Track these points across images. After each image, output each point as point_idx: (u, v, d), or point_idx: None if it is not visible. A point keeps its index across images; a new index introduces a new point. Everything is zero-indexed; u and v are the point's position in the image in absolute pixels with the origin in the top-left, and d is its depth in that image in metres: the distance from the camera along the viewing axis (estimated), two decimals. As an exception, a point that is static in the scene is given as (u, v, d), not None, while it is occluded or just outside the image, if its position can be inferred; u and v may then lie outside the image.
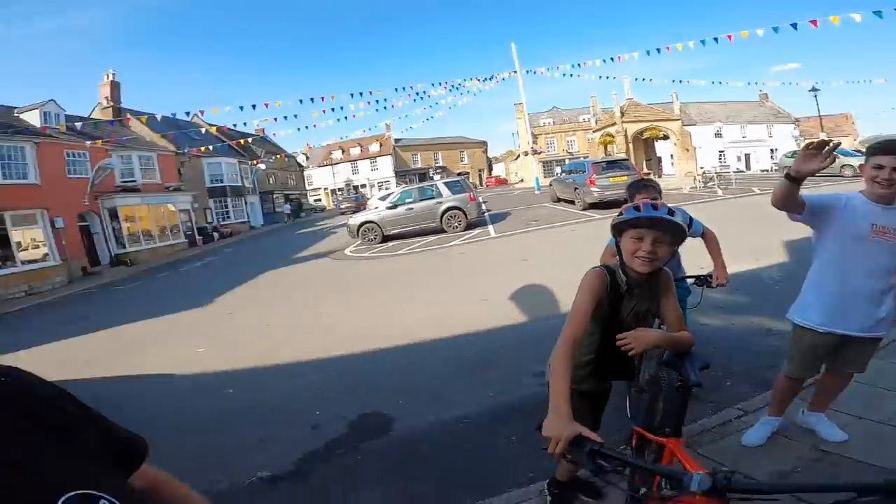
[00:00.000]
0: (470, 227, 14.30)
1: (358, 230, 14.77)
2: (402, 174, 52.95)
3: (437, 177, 39.69)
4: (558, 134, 50.44)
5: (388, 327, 5.84)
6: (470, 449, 3.04)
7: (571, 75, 23.75)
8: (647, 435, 1.79)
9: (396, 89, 20.17)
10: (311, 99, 17.77)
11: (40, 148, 18.38)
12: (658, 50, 17.17)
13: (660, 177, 26.79)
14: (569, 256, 8.32)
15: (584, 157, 27.21)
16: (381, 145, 56.58)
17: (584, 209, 14.99)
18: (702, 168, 23.03)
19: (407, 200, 14.83)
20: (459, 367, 4.36)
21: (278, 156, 42.96)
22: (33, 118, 20.13)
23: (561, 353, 1.48)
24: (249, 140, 31.37)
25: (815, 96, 30.51)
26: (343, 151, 58.69)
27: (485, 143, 62.85)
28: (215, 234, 27.67)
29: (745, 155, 42.24)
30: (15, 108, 20.82)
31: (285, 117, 19.28)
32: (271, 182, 45.03)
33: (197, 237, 25.86)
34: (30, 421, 0.56)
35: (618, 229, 1.66)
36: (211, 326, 7.35)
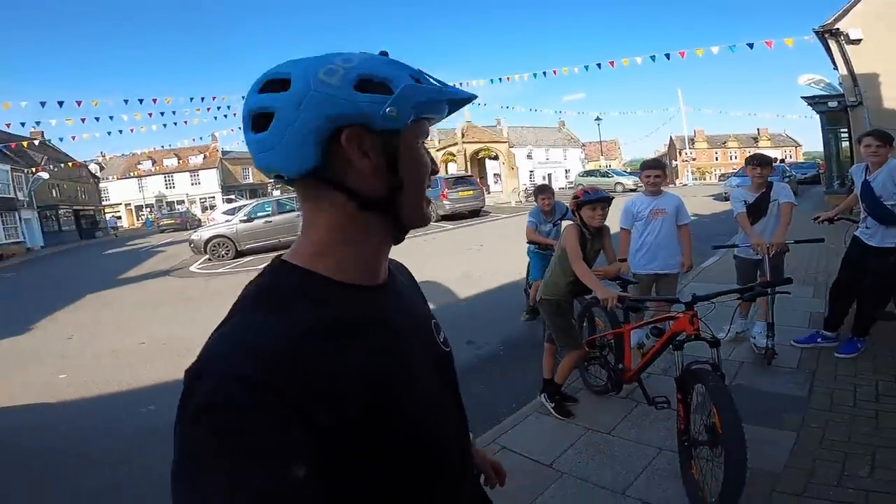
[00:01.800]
0: (333, 240, 14.13)
1: (206, 246, 13.31)
2: (230, 189, 48.31)
3: (276, 192, 37.35)
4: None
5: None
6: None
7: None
8: (601, 336, 3.17)
9: (243, 97, 18.60)
10: (141, 100, 15.17)
11: None
12: (500, 79, 19.00)
13: (488, 192, 30.34)
14: (445, 255, 9.21)
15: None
16: (205, 157, 50.84)
17: (437, 221, 16.24)
18: (524, 184, 26.94)
19: (261, 213, 14.00)
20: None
21: (66, 164, 35.26)
22: None
23: (581, 266, 2.72)
24: (35, 143, 25.20)
25: (599, 125, 38.00)
26: (154, 162, 50.96)
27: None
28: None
29: (548, 175, 49.64)
30: None
31: (82, 120, 15.66)
32: (55, 195, 36.57)
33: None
34: None
35: (578, 206, 2.85)
36: (55, 352, 6.14)
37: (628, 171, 38.94)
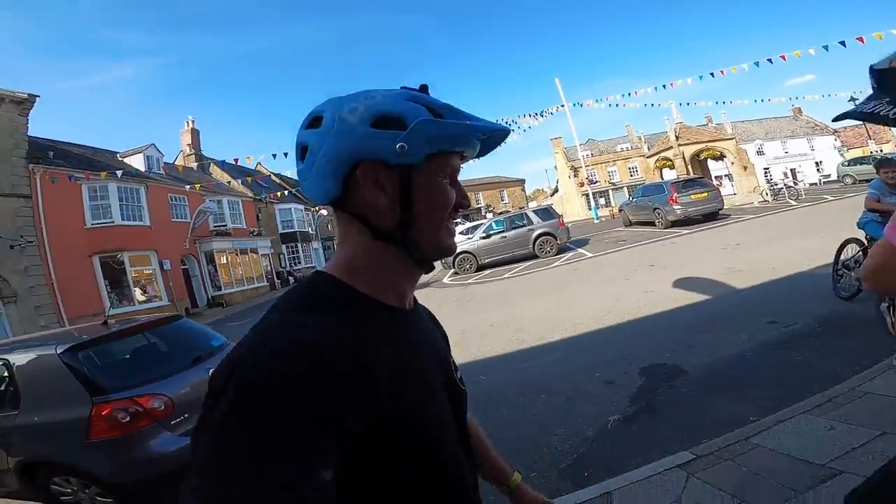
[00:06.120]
0: (560, 252, 14.80)
1: (454, 261, 15.40)
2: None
3: (489, 214, 40.58)
4: (598, 165, 50.62)
5: (585, 317, 6.40)
6: (766, 364, 3.81)
7: (618, 105, 20.64)
8: None
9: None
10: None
11: (149, 191, 19.37)
12: (712, 74, 16.26)
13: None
14: (692, 260, 8.98)
15: (642, 183, 28.17)
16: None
17: (667, 227, 15.41)
18: (774, 181, 23.54)
19: (495, 230, 15.54)
20: (687, 329, 5.03)
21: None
22: (137, 162, 21.12)
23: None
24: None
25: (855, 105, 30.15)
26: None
27: (523, 181, 63.99)
28: (290, 278, 28.60)
29: (791, 170, 40.78)
30: (117, 152, 21.80)
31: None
32: (330, 228, 46.72)
33: (276, 280, 27.21)
34: None
35: None
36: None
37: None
